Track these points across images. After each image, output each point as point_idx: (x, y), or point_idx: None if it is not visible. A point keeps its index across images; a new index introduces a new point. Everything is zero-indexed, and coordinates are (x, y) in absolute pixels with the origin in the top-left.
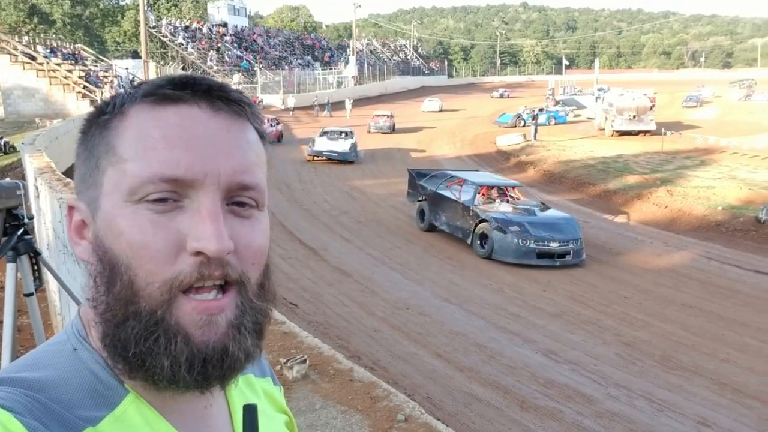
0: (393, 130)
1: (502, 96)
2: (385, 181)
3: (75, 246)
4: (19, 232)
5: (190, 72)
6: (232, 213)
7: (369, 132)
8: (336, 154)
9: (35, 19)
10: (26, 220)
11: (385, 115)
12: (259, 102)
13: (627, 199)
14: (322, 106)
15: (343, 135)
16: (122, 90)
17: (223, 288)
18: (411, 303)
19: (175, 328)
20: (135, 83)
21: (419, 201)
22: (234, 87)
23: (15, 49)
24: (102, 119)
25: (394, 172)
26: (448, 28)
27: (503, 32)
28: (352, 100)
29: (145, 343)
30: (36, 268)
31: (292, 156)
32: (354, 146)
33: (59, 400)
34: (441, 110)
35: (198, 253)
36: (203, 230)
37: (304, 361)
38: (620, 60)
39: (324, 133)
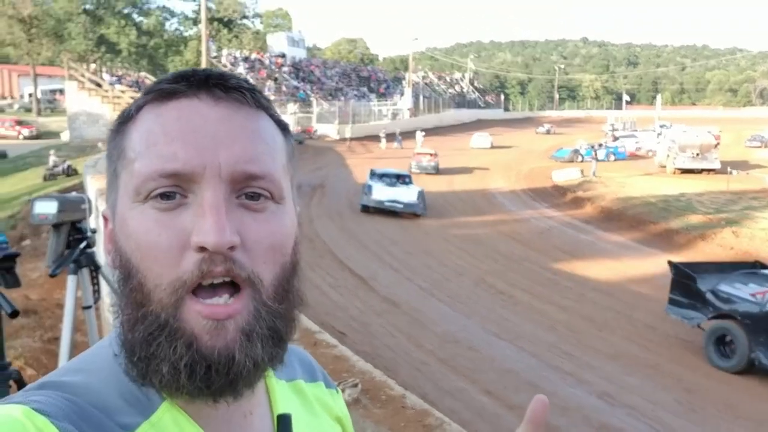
0: (437, 170)
1: (548, 132)
2: (436, 212)
3: (107, 255)
4: (82, 245)
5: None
6: (244, 207)
7: (410, 172)
8: (401, 205)
9: (102, 48)
10: (89, 234)
11: (429, 154)
12: (314, 132)
13: (690, 239)
14: (390, 137)
15: (402, 179)
16: None
17: (235, 290)
18: (460, 337)
19: (180, 332)
20: None
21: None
22: (239, 76)
23: (82, 76)
24: (117, 125)
25: (447, 204)
26: (505, 61)
27: (562, 67)
28: (424, 133)
29: (148, 348)
30: (96, 281)
31: (346, 186)
32: (421, 194)
33: (98, 405)
34: (492, 147)
35: (201, 249)
36: (203, 224)
37: (356, 385)
38: (683, 96)
39: (377, 176)
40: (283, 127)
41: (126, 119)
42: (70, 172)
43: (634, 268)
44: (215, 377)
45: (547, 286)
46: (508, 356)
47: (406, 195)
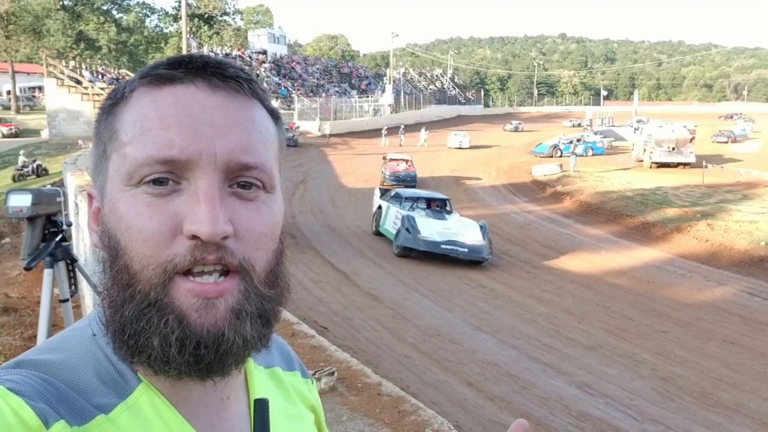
0: (415, 181)
1: (516, 129)
2: None
3: (91, 233)
4: (58, 239)
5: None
6: (236, 195)
7: (383, 184)
8: (465, 250)
9: (82, 45)
10: (64, 227)
11: (404, 160)
12: (295, 128)
13: (666, 232)
14: (391, 130)
15: (441, 206)
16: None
17: (226, 273)
18: (442, 330)
19: (170, 308)
20: None
21: None
22: (236, 65)
23: (62, 73)
24: (106, 105)
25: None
26: (485, 58)
27: (541, 63)
28: (427, 129)
29: (138, 323)
30: (72, 274)
31: (328, 182)
32: (485, 231)
33: (74, 384)
34: (470, 147)
35: (193, 237)
36: (197, 213)
37: (332, 373)
38: (660, 92)
39: (406, 202)
40: (275, 116)
41: (118, 100)
42: (40, 172)
43: (613, 260)
44: (204, 353)
45: (527, 279)
46: (489, 349)
47: (467, 234)
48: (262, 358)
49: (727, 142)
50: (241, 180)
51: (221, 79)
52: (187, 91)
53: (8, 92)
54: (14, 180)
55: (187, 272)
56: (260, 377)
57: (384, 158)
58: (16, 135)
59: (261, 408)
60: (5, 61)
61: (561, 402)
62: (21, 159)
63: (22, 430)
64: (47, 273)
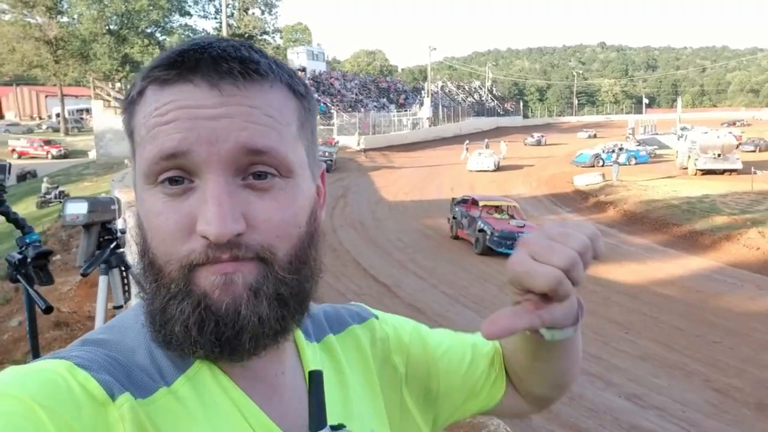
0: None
1: (539, 143)
2: None
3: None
4: (112, 246)
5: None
6: (250, 187)
7: (481, 245)
8: None
9: (127, 67)
10: (119, 234)
11: (506, 207)
12: (335, 143)
13: (715, 241)
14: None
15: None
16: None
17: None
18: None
19: (191, 294)
20: None
21: None
22: (234, 50)
23: (108, 95)
24: (126, 103)
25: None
26: (523, 69)
27: (580, 72)
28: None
29: (163, 315)
30: (126, 281)
31: (368, 196)
32: None
33: (137, 362)
34: (497, 169)
35: (205, 237)
36: (205, 213)
37: None
38: (704, 99)
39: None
40: (295, 90)
41: (133, 99)
42: (63, 198)
43: (659, 270)
44: (223, 330)
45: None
46: None
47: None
48: (313, 334)
49: (754, 151)
50: (253, 170)
51: (217, 75)
52: (185, 90)
53: (57, 115)
54: (38, 207)
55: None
56: (312, 351)
57: (468, 202)
58: (65, 156)
59: (315, 380)
60: (55, 85)
61: (611, 414)
62: (44, 186)
63: (89, 402)
64: (102, 280)
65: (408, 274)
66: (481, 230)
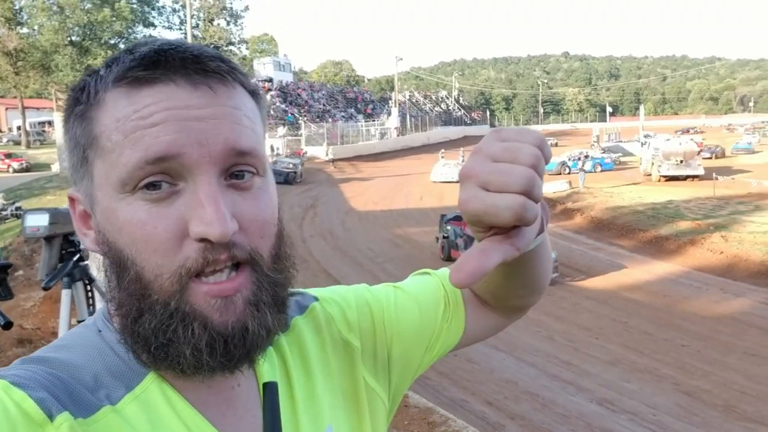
0: None
1: None
2: (428, 228)
3: (83, 237)
4: (75, 258)
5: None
6: (233, 187)
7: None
8: None
9: None
10: (82, 247)
11: None
12: (303, 153)
13: (679, 245)
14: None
15: None
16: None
17: (235, 266)
18: (458, 350)
19: (192, 315)
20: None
21: None
22: (214, 53)
23: None
24: (78, 110)
25: (437, 219)
26: (489, 78)
27: (545, 81)
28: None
29: (164, 336)
30: (90, 295)
31: (337, 205)
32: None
33: (80, 378)
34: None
35: (202, 239)
36: (203, 215)
37: None
38: (666, 107)
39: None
40: (255, 94)
41: (91, 105)
42: (19, 214)
43: (627, 275)
44: (234, 350)
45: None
46: (507, 367)
47: None
48: None
49: (711, 158)
50: (234, 170)
51: (202, 74)
52: (166, 90)
53: (18, 128)
54: None
55: (200, 273)
56: (268, 356)
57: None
58: (27, 169)
59: (270, 392)
60: (15, 97)
61: (583, 419)
62: (0, 202)
63: (25, 423)
64: (65, 294)
65: (379, 284)
66: None
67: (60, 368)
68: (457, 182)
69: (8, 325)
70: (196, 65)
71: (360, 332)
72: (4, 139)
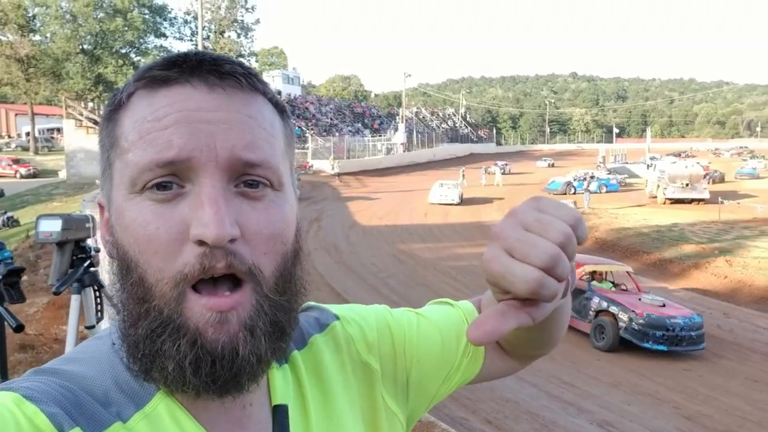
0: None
1: (503, 172)
2: (432, 245)
3: (105, 244)
4: (86, 264)
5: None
6: (242, 195)
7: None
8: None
9: (100, 87)
10: (93, 253)
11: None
12: (309, 167)
13: (683, 269)
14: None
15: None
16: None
17: (236, 284)
18: (472, 384)
19: (184, 328)
20: None
21: None
22: (233, 59)
23: (80, 114)
24: (107, 112)
25: (442, 236)
26: (496, 97)
27: (552, 101)
28: (503, 167)
29: (152, 345)
30: (99, 301)
31: (341, 219)
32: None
33: (92, 392)
34: (461, 202)
35: (201, 243)
36: (201, 216)
37: None
38: (672, 129)
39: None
40: (281, 109)
41: (117, 106)
42: (11, 223)
43: None
44: (220, 372)
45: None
46: (507, 386)
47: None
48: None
49: (708, 183)
50: (246, 179)
51: (218, 76)
52: (183, 92)
53: (27, 134)
54: None
55: (198, 287)
56: (283, 376)
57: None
58: (34, 175)
59: (280, 415)
60: (25, 104)
61: None
62: None
63: None
64: (75, 299)
65: (381, 299)
66: (605, 313)
67: (72, 380)
68: (456, 204)
69: (20, 327)
70: (213, 67)
71: (380, 355)
72: (13, 145)
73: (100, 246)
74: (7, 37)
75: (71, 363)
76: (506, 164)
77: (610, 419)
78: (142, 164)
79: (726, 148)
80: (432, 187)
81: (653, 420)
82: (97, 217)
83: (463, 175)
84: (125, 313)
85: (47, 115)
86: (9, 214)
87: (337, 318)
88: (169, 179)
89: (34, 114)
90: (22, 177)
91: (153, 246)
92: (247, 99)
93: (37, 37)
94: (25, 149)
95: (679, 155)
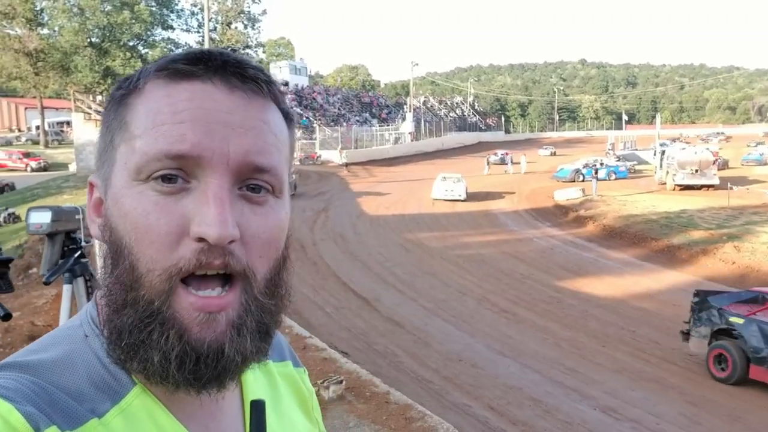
0: None
1: (503, 161)
2: (438, 234)
3: (91, 224)
4: (77, 255)
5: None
6: (245, 198)
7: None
8: None
9: (109, 80)
10: (83, 244)
11: None
12: (317, 157)
13: (692, 255)
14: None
15: None
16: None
17: (228, 281)
18: (464, 355)
19: (171, 321)
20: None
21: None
22: (256, 64)
23: (89, 107)
24: (117, 94)
25: (449, 225)
26: (505, 85)
27: (561, 88)
28: (503, 157)
29: (139, 334)
30: (91, 290)
31: (348, 209)
32: None
33: (65, 387)
34: (466, 198)
35: (200, 239)
36: (205, 214)
37: (341, 381)
38: (683, 115)
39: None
40: (290, 119)
41: (130, 90)
42: (12, 219)
43: (637, 284)
44: (204, 369)
45: (550, 303)
46: (511, 373)
47: None
48: None
49: (754, 166)
50: (251, 183)
51: (240, 79)
52: (204, 89)
53: (37, 127)
54: None
55: (188, 281)
56: (253, 376)
57: (758, 300)
58: (44, 169)
59: (257, 410)
60: (34, 97)
61: (585, 426)
62: None
63: None
64: (66, 289)
65: (388, 288)
66: None
67: (44, 376)
68: (462, 200)
69: (7, 316)
70: (237, 69)
71: (319, 426)
72: (23, 139)
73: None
74: (16, 31)
75: (40, 353)
76: (507, 153)
77: (613, 405)
78: (152, 153)
79: (704, 134)
80: (435, 182)
81: (657, 405)
82: None
83: (488, 163)
84: (109, 297)
85: (57, 109)
86: (10, 210)
87: (304, 371)
88: (176, 173)
89: (43, 107)
90: (32, 170)
91: (150, 236)
92: (264, 105)
93: (45, 31)
94: (36, 143)
95: (674, 141)
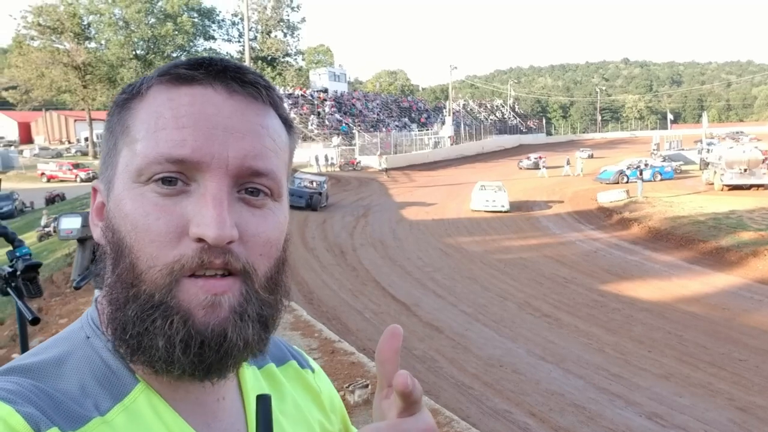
0: None
1: (536, 166)
2: (479, 238)
3: (93, 228)
4: None
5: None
6: (243, 201)
7: None
8: None
9: None
10: None
11: None
12: (357, 163)
13: (741, 257)
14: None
15: None
16: None
17: (228, 274)
18: (504, 360)
19: (176, 308)
20: None
21: None
22: (255, 71)
23: None
24: (122, 99)
25: (490, 229)
26: (546, 86)
27: (603, 88)
28: (587, 154)
29: (142, 324)
30: None
31: (389, 215)
32: None
33: (67, 388)
34: (509, 209)
35: (200, 240)
36: (204, 216)
37: (366, 386)
38: (730, 113)
39: None
40: (288, 125)
41: (133, 95)
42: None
43: (684, 287)
44: (208, 353)
45: (593, 308)
46: (553, 379)
47: None
48: (255, 359)
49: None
50: (249, 186)
51: (240, 84)
52: (205, 93)
53: (86, 139)
54: (39, 240)
55: (191, 275)
56: (252, 376)
57: None
58: (93, 179)
59: (264, 404)
60: (83, 110)
61: None
62: (44, 219)
63: None
64: (97, 293)
65: (427, 293)
66: None
67: (46, 379)
68: (505, 212)
69: (35, 320)
70: (236, 74)
71: (342, 423)
72: (72, 150)
73: None
74: (64, 46)
75: (42, 356)
76: (540, 157)
77: (659, 411)
78: (152, 156)
79: (723, 134)
80: (473, 191)
81: (705, 412)
82: None
83: (568, 162)
84: (111, 296)
85: (104, 121)
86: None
87: (313, 371)
88: (176, 176)
89: (91, 119)
90: (81, 181)
91: (150, 235)
92: (262, 110)
93: (92, 45)
94: (84, 154)
95: (699, 141)
